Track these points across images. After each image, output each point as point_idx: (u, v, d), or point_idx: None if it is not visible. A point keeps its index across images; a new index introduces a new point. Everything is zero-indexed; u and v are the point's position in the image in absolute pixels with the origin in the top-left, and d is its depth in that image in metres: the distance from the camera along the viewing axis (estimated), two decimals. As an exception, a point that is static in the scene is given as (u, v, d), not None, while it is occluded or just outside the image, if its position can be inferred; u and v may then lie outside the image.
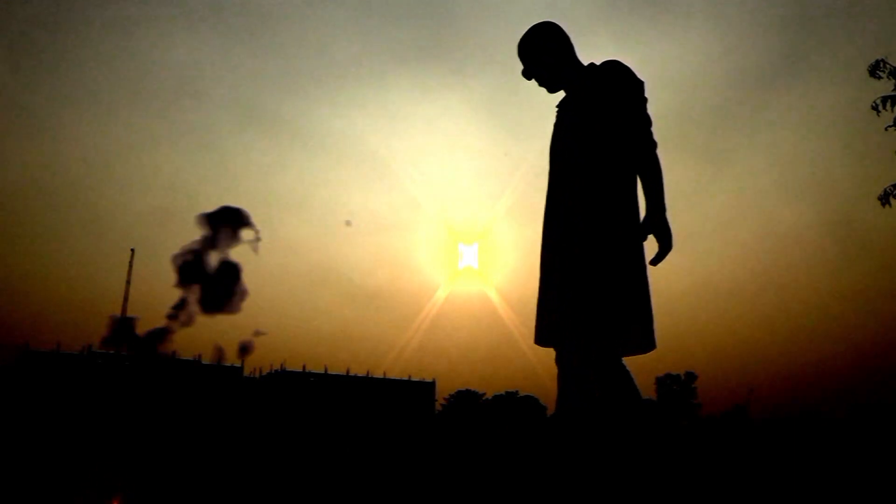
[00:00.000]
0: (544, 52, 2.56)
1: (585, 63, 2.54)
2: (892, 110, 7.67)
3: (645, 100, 2.40)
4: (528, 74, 2.61)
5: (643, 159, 2.33)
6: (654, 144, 2.35)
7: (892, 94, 7.70)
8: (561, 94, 2.61)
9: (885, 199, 7.96)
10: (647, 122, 2.37)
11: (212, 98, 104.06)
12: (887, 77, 7.72)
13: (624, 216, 2.30)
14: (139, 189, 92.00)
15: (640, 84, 2.39)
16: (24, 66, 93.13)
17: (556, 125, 2.55)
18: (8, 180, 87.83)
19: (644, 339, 2.25)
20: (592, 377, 2.20)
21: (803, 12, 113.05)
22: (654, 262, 2.26)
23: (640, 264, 2.29)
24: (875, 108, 7.70)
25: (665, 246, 2.24)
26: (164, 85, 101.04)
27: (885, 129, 7.80)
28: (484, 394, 63.18)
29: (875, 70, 7.73)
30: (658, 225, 2.25)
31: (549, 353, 2.32)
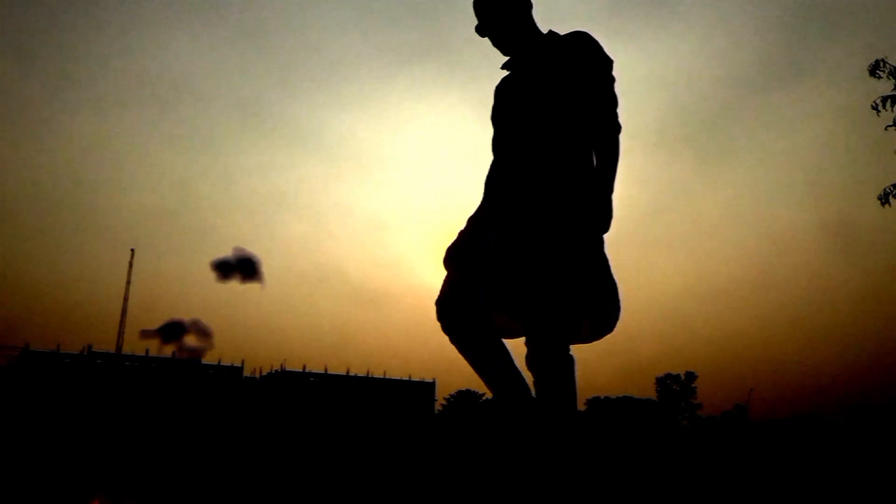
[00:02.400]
0: (515, 9, 2.35)
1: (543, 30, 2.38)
2: (892, 110, 7.67)
3: (613, 79, 2.27)
4: (485, 31, 2.38)
5: (606, 140, 2.23)
6: (618, 127, 2.25)
7: (892, 93, 7.69)
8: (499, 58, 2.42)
9: (884, 198, 7.96)
10: (615, 102, 2.26)
11: (212, 98, 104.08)
12: (887, 77, 7.72)
13: (590, 197, 2.20)
14: (139, 189, 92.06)
15: (611, 62, 2.26)
16: (24, 65, 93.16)
17: (507, 91, 2.36)
18: (8, 180, 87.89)
19: (608, 322, 2.20)
20: (564, 357, 2.12)
21: (802, 12, 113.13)
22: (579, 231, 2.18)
23: (602, 248, 2.23)
24: (875, 107, 7.70)
25: (595, 217, 2.16)
26: (164, 85, 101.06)
27: (885, 129, 7.80)
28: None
29: (875, 70, 7.73)
30: (600, 199, 2.17)
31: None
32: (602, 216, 2.17)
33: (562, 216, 2.15)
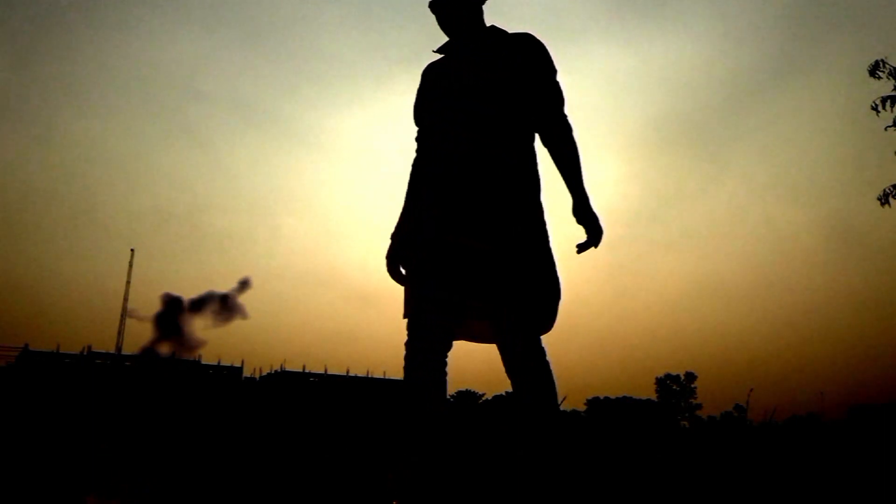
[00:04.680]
0: None
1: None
2: (892, 110, 7.67)
3: (559, 84, 2.29)
4: (436, 7, 2.30)
5: (567, 141, 2.24)
6: (571, 127, 2.27)
7: (892, 94, 7.69)
8: (434, 39, 2.37)
9: (884, 199, 7.97)
10: (564, 102, 2.28)
11: (212, 98, 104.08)
12: (887, 77, 7.72)
13: (583, 212, 2.23)
14: (139, 189, 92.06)
15: (556, 70, 2.28)
16: (24, 65, 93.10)
17: (454, 76, 2.25)
18: (8, 180, 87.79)
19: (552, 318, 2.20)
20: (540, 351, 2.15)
21: (803, 12, 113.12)
22: (582, 250, 2.19)
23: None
24: (875, 108, 7.69)
25: (595, 235, 2.18)
26: (164, 85, 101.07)
27: (885, 130, 7.80)
28: (484, 394, 63.18)
29: (875, 70, 7.73)
30: (588, 213, 2.19)
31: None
32: (598, 226, 2.19)
33: (533, 211, 2.17)
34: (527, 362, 2.12)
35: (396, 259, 2.31)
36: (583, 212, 2.19)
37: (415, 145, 2.38)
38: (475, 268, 2.08)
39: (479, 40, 2.29)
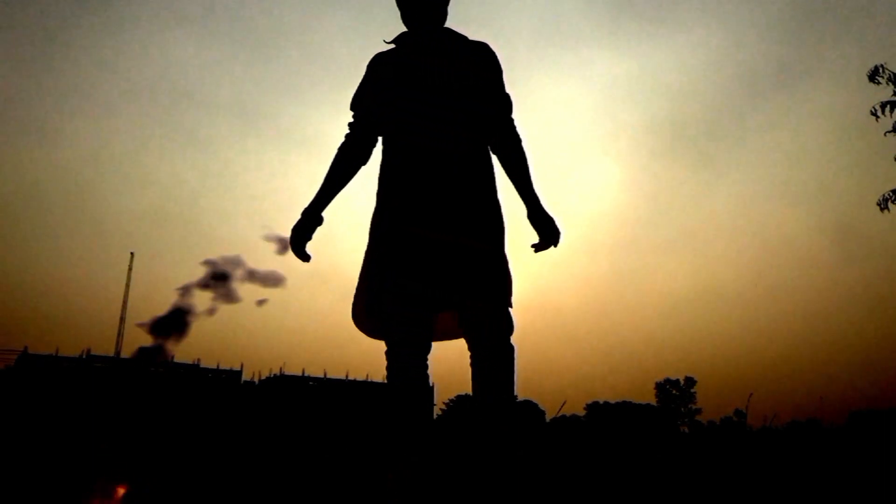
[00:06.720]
0: None
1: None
2: (891, 115, 7.68)
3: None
4: None
5: (520, 150, 2.30)
6: (521, 138, 2.33)
7: (892, 99, 7.70)
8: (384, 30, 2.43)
9: (883, 204, 7.97)
10: (512, 111, 2.33)
11: (213, 101, 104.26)
12: (886, 82, 7.72)
13: (542, 216, 2.33)
14: (139, 191, 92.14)
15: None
16: (24, 66, 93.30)
17: (433, 70, 2.22)
18: (8, 183, 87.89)
19: None
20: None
21: (802, 17, 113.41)
22: (539, 249, 2.28)
23: None
24: (874, 113, 7.69)
25: (554, 236, 2.24)
26: (164, 88, 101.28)
27: (885, 135, 7.80)
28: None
29: (874, 75, 7.73)
30: (545, 216, 2.26)
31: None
32: (556, 227, 2.24)
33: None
34: (500, 352, 2.21)
35: (303, 234, 2.34)
36: (538, 216, 2.26)
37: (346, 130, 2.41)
38: (466, 265, 2.12)
39: (441, 39, 2.29)
